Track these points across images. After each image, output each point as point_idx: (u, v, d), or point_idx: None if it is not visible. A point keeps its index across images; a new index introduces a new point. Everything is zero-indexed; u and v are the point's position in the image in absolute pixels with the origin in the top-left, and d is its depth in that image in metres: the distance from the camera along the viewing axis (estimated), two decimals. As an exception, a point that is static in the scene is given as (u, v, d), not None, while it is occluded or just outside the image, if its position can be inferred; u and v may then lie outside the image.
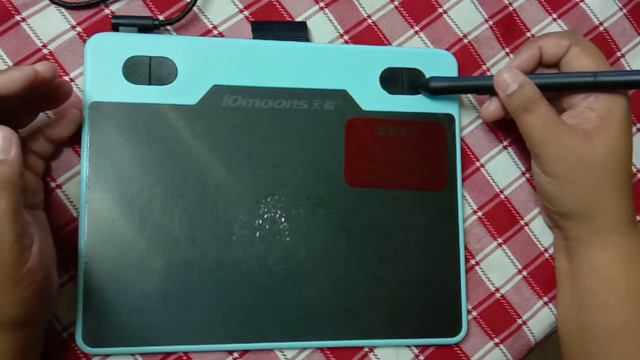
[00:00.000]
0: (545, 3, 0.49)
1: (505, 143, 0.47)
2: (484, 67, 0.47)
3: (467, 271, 0.44)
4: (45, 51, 0.41)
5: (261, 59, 0.42)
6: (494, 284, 0.45)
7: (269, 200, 0.41)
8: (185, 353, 0.41)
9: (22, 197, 0.32)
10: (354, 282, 0.42)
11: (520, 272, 0.45)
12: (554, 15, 0.49)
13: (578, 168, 0.40)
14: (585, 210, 0.41)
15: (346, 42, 0.45)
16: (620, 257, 0.42)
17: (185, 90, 0.41)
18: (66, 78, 0.41)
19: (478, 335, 0.44)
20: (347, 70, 0.43)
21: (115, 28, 0.41)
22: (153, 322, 0.39)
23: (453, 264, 0.43)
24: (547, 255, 0.46)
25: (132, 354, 0.40)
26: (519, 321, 0.45)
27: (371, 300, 0.42)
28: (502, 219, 0.46)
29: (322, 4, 0.45)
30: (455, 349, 0.44)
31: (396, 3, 0.46)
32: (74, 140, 0.40)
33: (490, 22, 0.47)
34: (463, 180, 0.45)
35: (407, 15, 0.46)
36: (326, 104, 0.43)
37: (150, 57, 0.41)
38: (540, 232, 0.46)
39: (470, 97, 0.46)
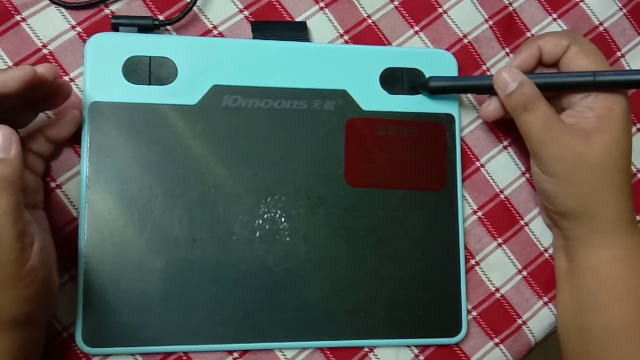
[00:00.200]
0: (545, 3, 0.49)
1: (505, 143, 0.47)
2: (484, 67, 0.47)
3: (467, 271, 0.44)
4: (45, 51, 0.41)
5: (261, 59, 0.42)
6: (494, 284, 0.45)
7: (269, 200, 0.41)
8: (185, 353, 0.41)
9: (23, 196, 0.32)
10: (354, 282, 0.42)
11: (520, 272, 0.45)
12: (554, 15, 0.49)
13: (577, 167, 0.40)
14: (585, 210, 0.41)
15: (346, 42, 0.45)
16: (620, 256, 0.42)
17: (185, 90, 0.41)
18: (66, 78, 0.41)
19: (478, 335, 0.44)
20: (347, 70, 0.43)
21: (115, 28, 0.41)
22: (153, 322, 0.39)
23: (453, 264, 0.43)
24: (547, 255, 0.46)
25: (132, 354, 0.40)
26: (519, 321, 0.45)
27: (371, 300, 0.42)
28: (502, 219, 0.46)
29: (322, 4, 0.45)
30: (455, 349, 0.44)
31: (396, 3, 0.46)
32: (74, 140, 0.40)
33: (490, 22, 0.47)
34: (463, 180, 0.45)
35: (407, 15, 0.46)
36: (326, 104, 0.43)
37: (150, 57, 0.41)
38: (540, 232, 0.46)
39: (470, 97, 0.46)
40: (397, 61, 0.44)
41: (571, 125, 0.40)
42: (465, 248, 0.44)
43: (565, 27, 0.48)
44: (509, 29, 0.48)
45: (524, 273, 0.46)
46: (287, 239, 0.41)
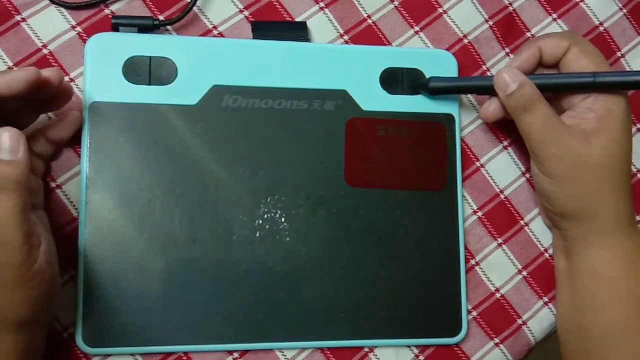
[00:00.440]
0: (545, 3, 0.49)
1: (505, 143, 0.47)
2: (484, 67, 0.47)
3: (467, 271, 0.44)
4: (45, 51, 0.41)
5: (261, 59, 0.42)
6: (494, 284, 0.45)
7: (269, 200, 0.41)
8: (185, 353, 0.41)
9: (29, 198, 0.32)
10: (354, 282, 0.42)
11: (520, 272, 0.45)
12: (554, 15, 0.49)
13: (577, 168, 0.40)
14: (584, 211, 0.41)
15: (346, 42, 0.45)
16: (619, 257, 0.42)
17: (185, 90, 0.41)
18: (66, 78, 0.41)
19: (478, 335, 0.44)
20: (347, 70, 0.43)
21: (115, 28, 0.41)
22: (153, 322, 0.39)
23: (453, 264, 0.43)
24: (547, 255, 0.46)
25: (132, 354, 0.40)
26: (519, 321, 0.45)
27: (371, 300, 0.42)
28: (502, 219, 0.46)
29: (322, 4, 0.45)
30: (455, 349, 0.44)
31: (396, 3, 0.46)
32: (74, 140, 0.40)
33: (490, 22, 0.47)
34: (463, 180, 0.45)
35: (407, 15, 0.46)
36: (326, 104, 0.43)
37: (150, 57, 0.41)
38: (540, 232, 0.46)
39: (470, 97, 0.46)
40: (397, 61, 0.44)
41: (571, 126, 0.41)
42: (465, 248, 0.44)
43: (565, 27, 0.48)
44: (509, 29, 0.48)
45: (524, 273, 0.46)
46: (287, 239, 0.41)
